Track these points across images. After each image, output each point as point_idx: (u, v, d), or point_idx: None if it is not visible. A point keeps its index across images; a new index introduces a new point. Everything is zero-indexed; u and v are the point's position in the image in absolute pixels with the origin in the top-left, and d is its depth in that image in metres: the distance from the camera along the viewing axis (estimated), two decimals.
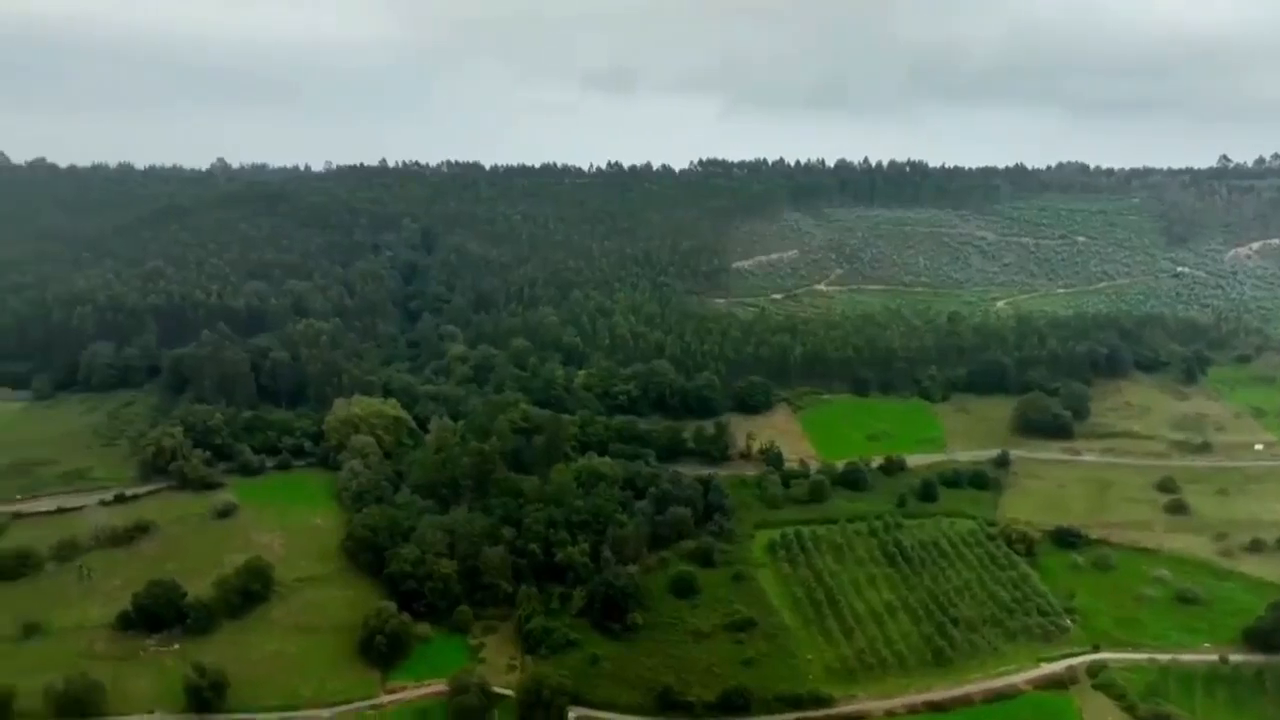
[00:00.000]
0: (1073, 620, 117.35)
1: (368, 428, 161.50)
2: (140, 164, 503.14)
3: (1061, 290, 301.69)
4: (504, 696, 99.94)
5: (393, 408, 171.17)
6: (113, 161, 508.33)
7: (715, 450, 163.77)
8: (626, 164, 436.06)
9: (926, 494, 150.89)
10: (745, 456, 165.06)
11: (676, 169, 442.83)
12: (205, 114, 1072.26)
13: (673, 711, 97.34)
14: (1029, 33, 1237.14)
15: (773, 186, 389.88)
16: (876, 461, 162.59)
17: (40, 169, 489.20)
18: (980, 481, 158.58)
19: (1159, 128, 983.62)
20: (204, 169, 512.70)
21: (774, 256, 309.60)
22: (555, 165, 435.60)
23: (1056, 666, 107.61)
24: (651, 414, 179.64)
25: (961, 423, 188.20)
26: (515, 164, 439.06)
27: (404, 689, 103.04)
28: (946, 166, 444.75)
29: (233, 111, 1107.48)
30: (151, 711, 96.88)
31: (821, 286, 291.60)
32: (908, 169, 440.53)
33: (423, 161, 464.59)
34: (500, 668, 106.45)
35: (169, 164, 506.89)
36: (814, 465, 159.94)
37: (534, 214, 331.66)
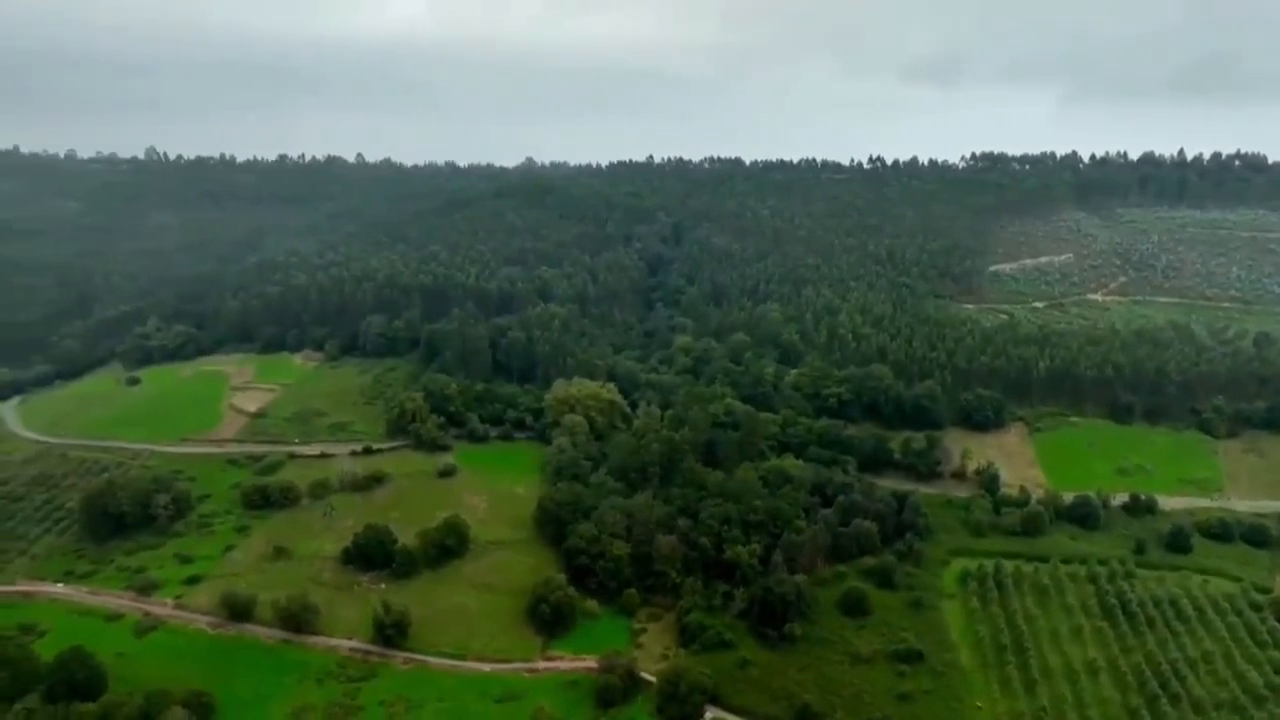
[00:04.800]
0: None
1: (582, 408, 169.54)
2: (462, 162, 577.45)
3: None
4: (650, 684, 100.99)
5: (608, 391, 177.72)
6: (441, 160, 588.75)
7: (923, 465, 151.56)
8: (902, 159, 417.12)
9: (1176, 543, 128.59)
10: (959, 476, 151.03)
11: (947, 164, 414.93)
12: (534, 120, 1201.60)
13: None
14: None
15: (1053, 183, 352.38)
16: (1119, 499, 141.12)
17: (385, 167, 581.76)
18: (1258, 538, 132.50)
19: None
20: (510, 166, 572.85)
21: (1042, 260, 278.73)
22: (814, 161, 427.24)
23: None
24: (862, 420, 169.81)
25: (1248, 465, 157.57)
26: (774, 159, 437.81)
27: (560, 659, 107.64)
28: None
29: (550, 116, 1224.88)
30: (350, 638, 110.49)
31: (1097, 296, 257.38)
32: (1236, 162, 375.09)
33: (685, 158, 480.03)
34: (655, 655, 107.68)
35: (484, 163, 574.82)
36: (1037, 494, 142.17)
37: (782, 209, 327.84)
